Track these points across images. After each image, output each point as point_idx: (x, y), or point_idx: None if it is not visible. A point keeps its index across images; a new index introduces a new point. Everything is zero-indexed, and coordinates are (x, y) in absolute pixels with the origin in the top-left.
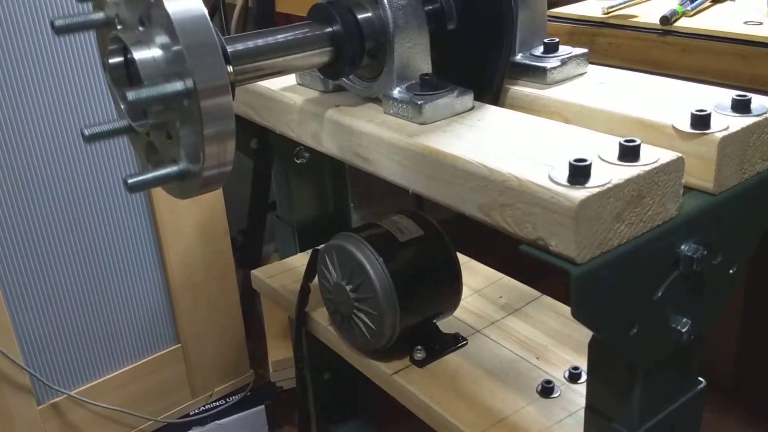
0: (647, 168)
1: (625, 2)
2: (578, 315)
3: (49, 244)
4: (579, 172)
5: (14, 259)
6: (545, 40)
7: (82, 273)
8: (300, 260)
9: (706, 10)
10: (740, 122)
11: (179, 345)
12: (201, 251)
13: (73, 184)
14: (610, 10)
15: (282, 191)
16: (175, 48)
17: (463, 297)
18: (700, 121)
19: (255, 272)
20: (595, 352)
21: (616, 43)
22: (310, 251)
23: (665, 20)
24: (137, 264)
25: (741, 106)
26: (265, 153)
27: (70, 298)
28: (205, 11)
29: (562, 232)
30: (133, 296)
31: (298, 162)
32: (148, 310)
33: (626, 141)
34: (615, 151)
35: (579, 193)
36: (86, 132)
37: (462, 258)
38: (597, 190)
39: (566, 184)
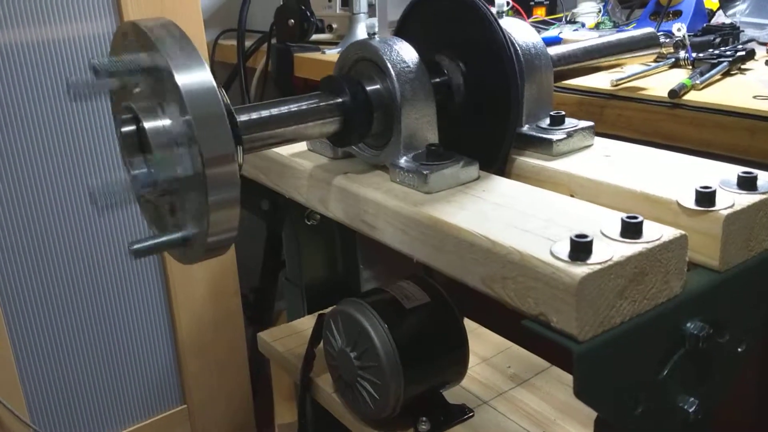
0: (649, 245)
1: (633, 75)
2: (581, 394)
3: (61, 302)
4: (580, 248)
5: (25, 316)
6: (551, 113)
7: (93, 331)
8: (307, 323)
9: (716, 84)
10: (746, 199)
11: (185, 406)
12: (211, 311)
13: (86, 243)
14: (619, 82)
15: (292, 253)
16: (185, 118)
17: (470, 365)
18: (705, 198)
19: (261, 335)
20: (601, 430)
21: (626, 115)
22: (317, 314)
23: (674, 94)
24: (147, 323)
25: (747, 183)
26: (277, 214)
27: (79, 356)
28: (214, 84)
29: (564, 308)
30: (141, 355)
31: (309, 223)
32: (155, 370)
33: (628, 217)
34: (617, 227)
35: (580, 270)
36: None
37: (470, 325)
38: (598, 267)
39: (567, 259)
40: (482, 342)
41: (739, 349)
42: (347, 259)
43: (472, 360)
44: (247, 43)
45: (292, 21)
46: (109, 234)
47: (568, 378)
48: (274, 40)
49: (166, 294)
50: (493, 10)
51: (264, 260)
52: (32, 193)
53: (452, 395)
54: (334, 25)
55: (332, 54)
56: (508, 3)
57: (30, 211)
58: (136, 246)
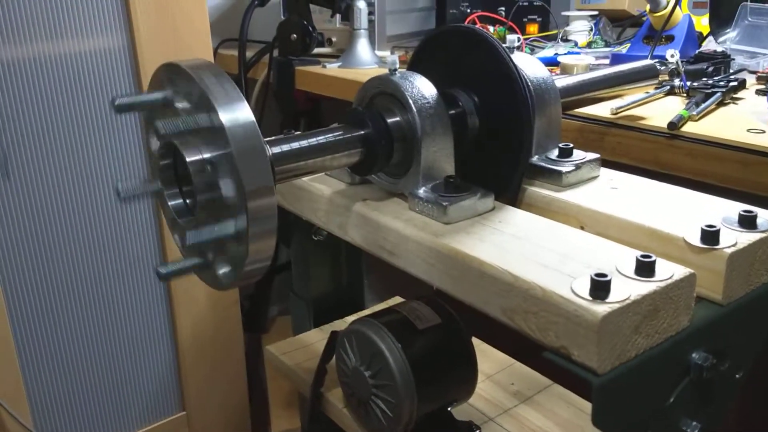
0: (662, 284)
1: (632, 103)
2: (598, 422)
3: (66, 311)
4: (600, 287)
5: (31, 324)
6: (560, 145)
7: (95, 340)
8: (314, 337)
9: (711, 113)
10: (747, 238)
11: (184, 413)
12: (211, 319)
13: (91, 252)
14: (619, 110)
15: (299, 268)
16: (226, 152)
17: None
18: (710, 236)
19: (269, 348)
20: None
21: (625, 143)
22: (323, 327)
23: (672, 126)
24: (149, 331)
25: (747, 222)
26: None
27: (82, 364)
28: (254, 119)
29: (585, 343)
30: (143, 363)
31: (316, 239)
32: (156, 378)
33: (642, 257)
34: (632, 265)
35: (601, 309)
36: (161, 271)
37: (474, 341)
38: (618, 305)
39: (588, 298)
40: (486, 359)
41: (737, 376)
42: (352, 273)
43: (478, 377)
44: (247, 54)
45: (295, 36)
46: (114, 243)
47: (569, 395)
48: (275, 52)
49: (168, 303)
50: (505, 45)
51: None
52: (40, 202)
53: (459, 412)
54: (334, 39)
55: (332, 68)
56: (518, 39)
57: (37, 218)
58: (163, 271)
